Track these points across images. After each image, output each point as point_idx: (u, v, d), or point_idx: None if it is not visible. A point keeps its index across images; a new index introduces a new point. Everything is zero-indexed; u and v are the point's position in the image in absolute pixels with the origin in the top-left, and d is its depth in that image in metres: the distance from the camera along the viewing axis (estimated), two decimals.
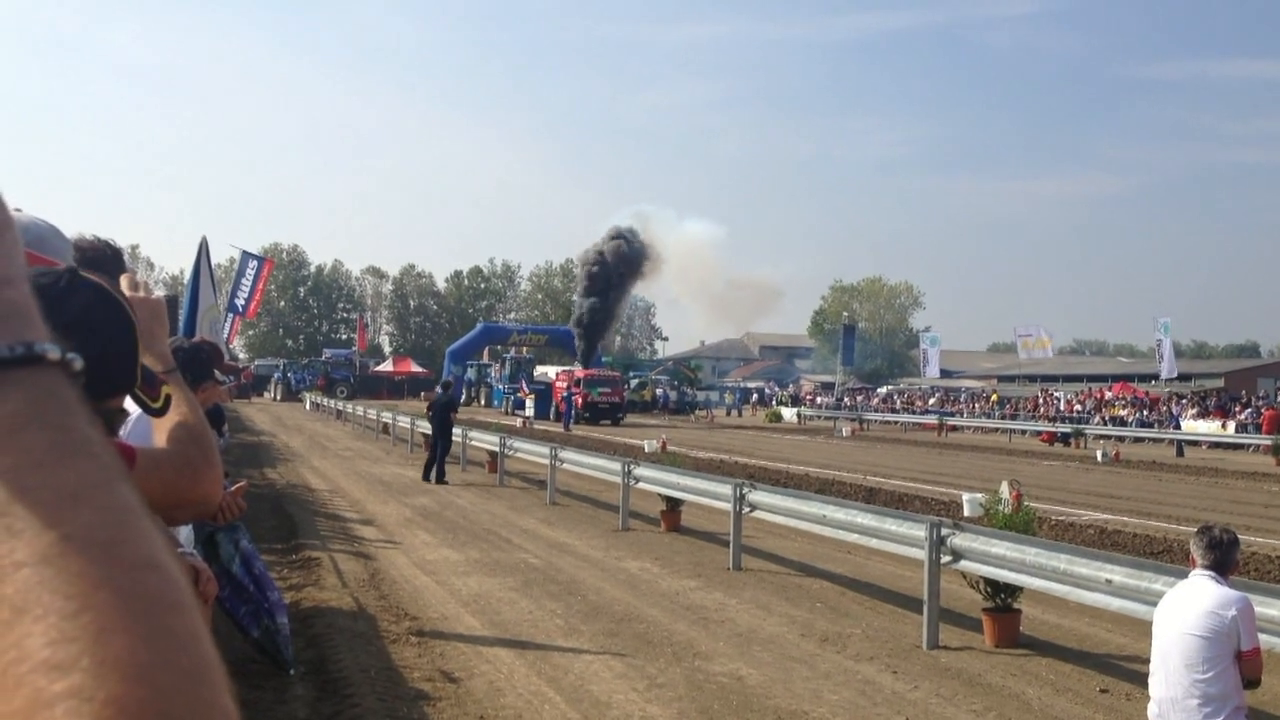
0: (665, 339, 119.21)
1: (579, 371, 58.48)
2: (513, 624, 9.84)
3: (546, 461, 19.66)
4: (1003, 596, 9.48)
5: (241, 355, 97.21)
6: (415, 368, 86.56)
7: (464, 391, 69.12)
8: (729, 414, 72.96)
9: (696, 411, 69.30)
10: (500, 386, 65.92)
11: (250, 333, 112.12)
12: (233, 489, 4.21)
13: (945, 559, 9.43)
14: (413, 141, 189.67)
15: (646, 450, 26.38)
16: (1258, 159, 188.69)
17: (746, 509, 13.03)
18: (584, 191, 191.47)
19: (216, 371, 4.45)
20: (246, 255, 41.86)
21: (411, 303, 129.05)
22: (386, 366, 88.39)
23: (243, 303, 39.86)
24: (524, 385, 60.61)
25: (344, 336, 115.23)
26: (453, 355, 72.09)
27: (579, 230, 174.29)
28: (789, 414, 65.54)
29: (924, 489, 22.54)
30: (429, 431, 23.80)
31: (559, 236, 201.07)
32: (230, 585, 7.22)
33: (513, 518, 17.15)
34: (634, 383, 67.52)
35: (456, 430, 25.19)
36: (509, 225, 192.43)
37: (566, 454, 19.69)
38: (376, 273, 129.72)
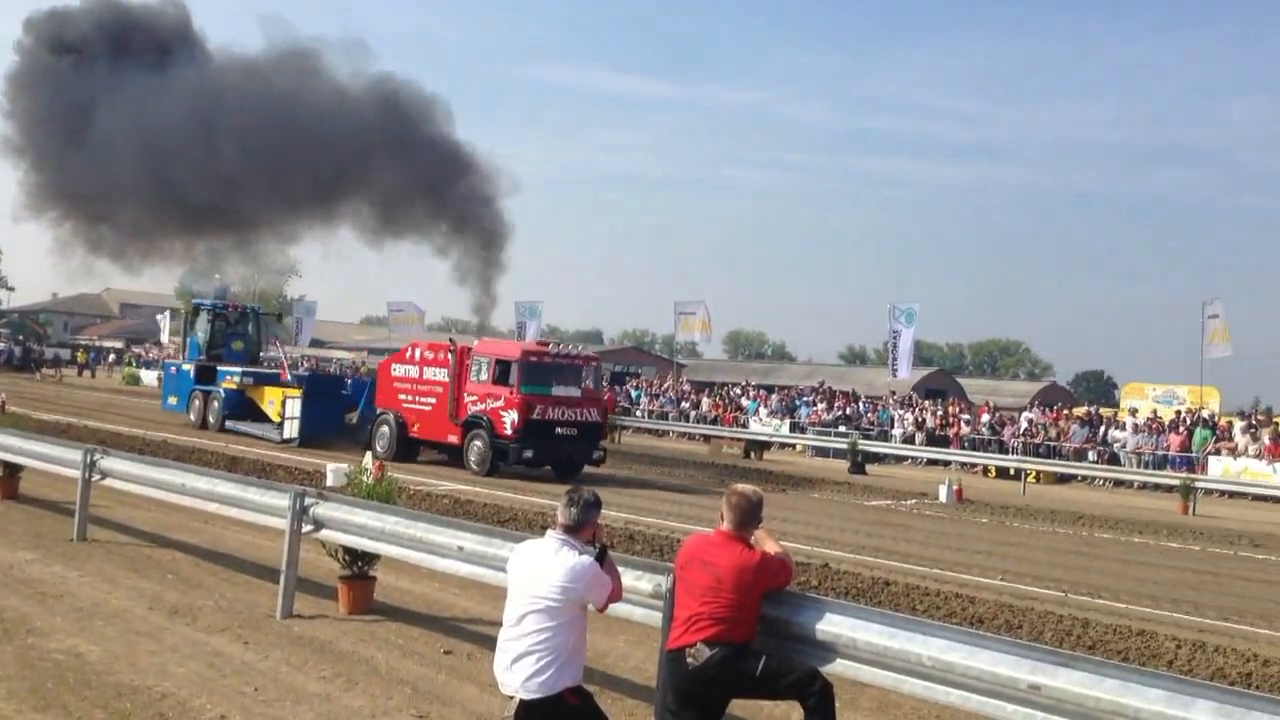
0: (11, 289, 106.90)
1: (484, 344, 25.04)
2: None
3: None
4: (359, 564, 9.71)
5: None
6: None
7: None
8: (81, 374, 67.71)
9: (44, 370, 63.68)
10: (188, 366, 32.64)
11: None
12: None
13: (307, 528, 9.50)
14: None
15: None
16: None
17: (98, 477, 12.24)
18: None
19: None
20: None
21: None
22: None
23: None
24: (285, 370, 31.64)
25: None
26: None
27: None
28: (149, 376, 61.76)
29: (287, 459, 22.58)
30: None
31: None
32: None
33: None
34: None
35: None
36: None
37: None
38: None
